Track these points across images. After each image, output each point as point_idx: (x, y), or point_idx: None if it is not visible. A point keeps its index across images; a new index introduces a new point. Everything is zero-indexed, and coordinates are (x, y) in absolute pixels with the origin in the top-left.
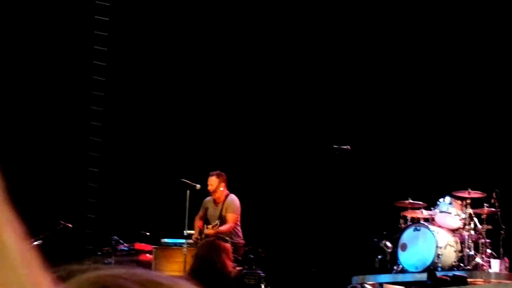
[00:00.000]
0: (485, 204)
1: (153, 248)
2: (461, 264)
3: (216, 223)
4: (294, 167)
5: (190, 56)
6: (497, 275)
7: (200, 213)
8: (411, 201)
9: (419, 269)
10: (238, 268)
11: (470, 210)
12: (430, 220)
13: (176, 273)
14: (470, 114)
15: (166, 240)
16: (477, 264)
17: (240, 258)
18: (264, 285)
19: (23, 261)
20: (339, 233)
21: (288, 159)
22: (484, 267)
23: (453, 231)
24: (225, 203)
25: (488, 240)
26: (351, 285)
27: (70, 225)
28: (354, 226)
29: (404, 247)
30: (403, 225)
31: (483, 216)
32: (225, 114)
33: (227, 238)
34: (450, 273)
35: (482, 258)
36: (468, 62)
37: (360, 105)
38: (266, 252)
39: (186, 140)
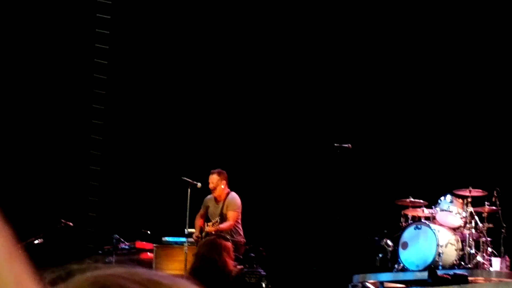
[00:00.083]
0: (486, 202)
1: (154, 246)
2: (462, 263)
3: (216, 220)
4: (295, 166)
5: (191, 54)
6: (498, 273)
7: (201, 211)
8: (412, 199)
9: (420, 268)
10: (239, 266)
11: (471, 209)
12: (431, 218)
13: (177, 272)
14: (471, 112)
15: (167, 238)
16: (478, 263)
17: (241, 256)
18: (265, 284)
19: (7, 261)
20: (340, 231)
21: (289, 157)
22: (485, 266)
23: (454, 229)
24: (226, 201)
25: (489, 239)
26: (352, 284)
27: (71, 224)
28: (355, 224)
29: (405, 246)
30: (404, 224)
31: (484, 215)
32: (226, 112)
33: (228, 237)
34: (451, 272)
35: (483, 256)
36: (469, 61)
37: (361, 103)
38: (267, 250)
39: (187, 139)
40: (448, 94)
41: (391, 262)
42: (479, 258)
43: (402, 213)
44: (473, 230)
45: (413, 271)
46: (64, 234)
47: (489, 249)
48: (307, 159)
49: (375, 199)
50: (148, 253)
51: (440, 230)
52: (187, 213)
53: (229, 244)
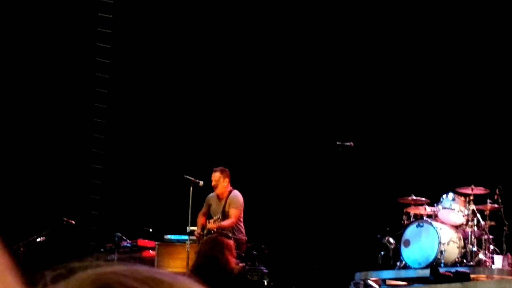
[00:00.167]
0: (488, 200)
1: (156, 244)
2: (464, 260)
3: (218, 217)
4: (297, 164)
5: (193, 52)
6: (500, 271)
7: (204, 209)
8: (414, 197)
9: (422, 265)
10: (241, 264)
11: (473, 206)
12: (433, 216)
13: (179, 270)
14: (473, 110)
15: (169, 236)
16: (480, 260)
17: (243, 254)
18: (267, 281)
19: None
20: (342, 229)
21: (292, 155)
22: (487, 263)
23: (456, 227)
24: (228, 199)
25: (491, 236)
26: (354, 281)
27: (73, 222)
28: (357, 222)
29: (407, 243)
30: (406, 222)
31: (486, 212)
32: (228, 110)
33: (230, 235)
34: (453, 269)
35: (485, 254)
36: (471, 59)
37: (364, 102)
38: (269, 248)
39: (189, 137)
40: (450, 92)
41: (393, 259)
42: (481, 255)
43: (404, 211)
44: (475, 228)
45: (415, 268)
46: (66, 232)
47: (491, 247)
48: (310, 157)
49: (377, 197)
50: (150, 251)
51: (442, 228)
52: (189, 211)
53: (231, 242)
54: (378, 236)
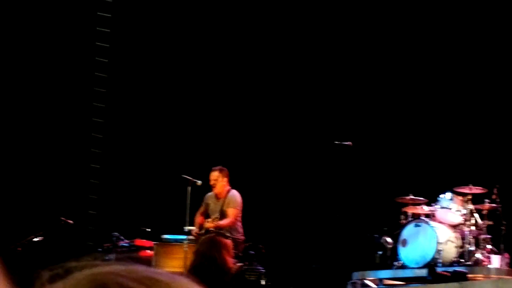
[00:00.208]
0: (486, 200)
1: (154, 244)
2: (462, 260)
3: (216, 216)
4: (295, 163)
5: (191, 52)
6: (498, 270)
7: (201, 208)
8: (412, 197)
9: (420, 265)
10: (238, 264)
11: (471, 206)
12: (430, 216)
13: (177, 270)
14: (471, 110)
15: (166, 236)
16: (477, 260)
17: (240, 254)
18: (265, 281)
19: None
20: (340, 229)
21: (290, 155)
22: (485, 263)
23: (454, 226)
24: (226, 198)
25: (488, 236)
26: (351, 281)
27: (71, 222)
28: (355, 222)
29: (404, 243)
30: (403, 221)
31: (484, 212)
32: (226, 110)
33: (227, 234)
34: (451, 269)
35: (482, 253)
36: (469, 58)
37: (362, 101)
38: (267, 248)
39: (187, 137)
40: (448, 91)
41: (390, 259)
42: (478, 255)
43: (402, 210)
44: (473, 228)
45: (412, 268)
46: (64, 232)
47: (489, 247)
48: (308, 156)
49: (375, 196)
50: (148, 251)
51: (439, 228)
52: (187, 211)
53: (228, 241)
54: (376, 235)
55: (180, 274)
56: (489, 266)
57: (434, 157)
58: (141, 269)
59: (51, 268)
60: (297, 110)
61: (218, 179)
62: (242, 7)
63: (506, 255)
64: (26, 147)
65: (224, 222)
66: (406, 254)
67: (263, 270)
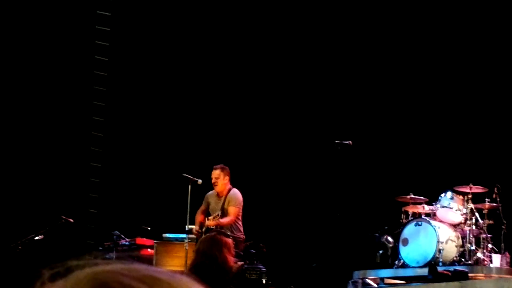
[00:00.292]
0: (486, 199)
1: (155, 243)
2: (462, 259)
3: (217, 214)
4: (296, 162)
5: (191, 51)
6: (498, 270)
7: (202, 207)
8: (412, 196)
9: (420, 264)
10: (239, 263)
11: (471, 205)
12: (431, 215)
13: (178, 268)
14: (471, 109)
15: (167, 235)
16: (478, 259)
17: (241, 253)
18: (266, 280)
19: None
20: (341, 228)
21: (290, 154)
22: (485, 262)
23: (455, 226)
24: (227, 197)
25: (489, 235)
26: (352, 280)
27: (71, 220)
28: (356, 221)
29: (405, 242)
30: (404, 220)
31: (485, 211)
32: (227, 109)
33: (228, 233)
34: (451, 268)
35: (483, 253)
36: (469, 57)
37: (362, 100)
38: (268, 247)
39: (188, 135)
40: (448, 90)
41: (391, 258)
42: (479, 254)
43: (403, 209)
44: (474, 227)
45: (413, 267)
46: (64, 231)
47: (490, 246)
48: (308, 155)
49: (375, 195)
50: (149, 250)
51: (440, 227)
52: (188, 209)
53: (229, 240)
54: (377, 234)
55: (181, 272)
56: (489, 265)
57: (435, 157)
58: (142, 267)
59: (52, 266)
60: (297, 109)
61: (220, 177)
62: (240, 7)
63: (507, 254)
64: (27, 146)
65: (225, 220)
66: (407, 253)
67: (264, 269)
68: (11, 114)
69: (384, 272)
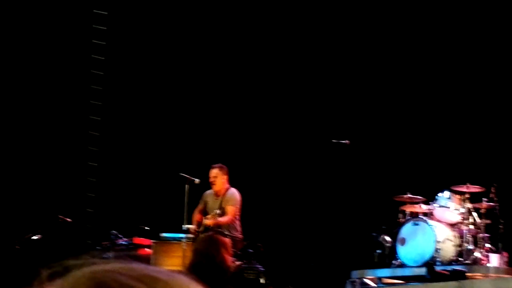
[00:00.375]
0: (484, 198)
1: (152, 242)
2: (460, 259)
3: (215, 212)
4: (293, 162)
5: (189, 50)
6: (496, 269)
7: (200, 206)
8: (410, 195)
9: (418, 264)
10: (237, 262)
11: (469, 205)
12: (429, 214)
13: (175, 268)
14: (468, 108)
15: (165, 234)
16: (476, 259)
17: (239, 252)
18: (263, 280)
19: None
20: (338, 227)
21: (287, 153)
22: (483, 262)
23: (452, 225)
24: (225, 196)
25: (487, 235)
26: (350, 280)
27: (69, 220)
28: (353, 220)
29: (403, 242)
30: (402, 220)
31: (482, 211)
32: (224, 108)
33: (226, 232)
34: (449, 268)
35: (481, 252)
36: (466, 57)
37: (359, 99)
38: (265, 246)
39: (185, 135)
40: (445, 90)
41: (389, 258)
42: (477, 254)
43: (400, 209)
44: (471, 226)
45: (411, 267)
46: (62, 230)
47: (487, 245)
48: (305, 155)
49: (373, 195)
50: (146, 249)
51: (438, 226)
52: (185, 209)
53: (227, 240)
54: (374, 234)
55: (179, 272)
56: (487, 264)
57: (432, 156)
58: (140, 267)
59: (49, 266)
60: (294, 108)
61: (218, 176)
62: (239, 7)
63: (505, 253)
64: (24, 146)
65: (223, 219)
66: (405, 252)
67: (262, 269)
68: (7, 114)
69: (382, 272)
